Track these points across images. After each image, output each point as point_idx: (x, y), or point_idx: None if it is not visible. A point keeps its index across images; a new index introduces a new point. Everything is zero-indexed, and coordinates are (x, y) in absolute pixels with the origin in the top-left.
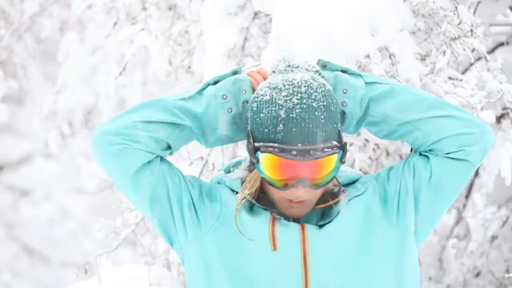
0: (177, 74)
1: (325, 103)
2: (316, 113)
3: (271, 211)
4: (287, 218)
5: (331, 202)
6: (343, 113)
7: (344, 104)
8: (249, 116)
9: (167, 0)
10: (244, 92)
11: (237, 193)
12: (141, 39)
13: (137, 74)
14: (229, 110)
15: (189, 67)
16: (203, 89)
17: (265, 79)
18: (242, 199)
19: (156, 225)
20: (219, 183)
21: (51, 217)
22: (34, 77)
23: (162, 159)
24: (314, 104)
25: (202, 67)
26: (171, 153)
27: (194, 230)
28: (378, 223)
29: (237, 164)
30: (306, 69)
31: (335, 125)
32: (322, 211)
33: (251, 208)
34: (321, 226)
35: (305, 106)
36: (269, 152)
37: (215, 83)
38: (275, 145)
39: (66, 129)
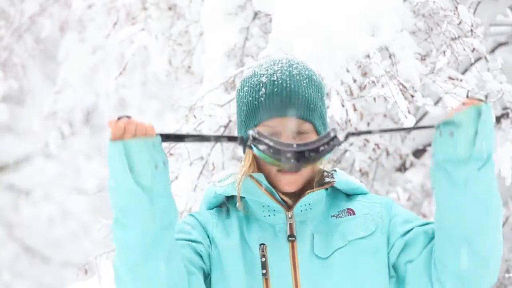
0: (177, 74)
1: (306, 72)
2: (298, 78)
3: (260, 243)
4: (279, 234)
5: (315, 189)
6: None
7: (451, 133)
8: (236, 95)
9: (167, 0)
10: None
11: (232, 197)
12: (141, 39)
13: (137, 74)
14: (165, 163)
15: (189, 67)
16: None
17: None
18: (241, 179)
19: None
20: (215, 193)
21: (51, 217)
22: (34, 77)
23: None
24: (295, 71)
25: (202, 67)
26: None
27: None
28: (384, 261)
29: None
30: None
31: (319, 94)
32: (326, 214)
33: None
34: (317, 256)
35: (285, 71)
36: (263, 152)
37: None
38: (270, 143)
39: (66, 129)
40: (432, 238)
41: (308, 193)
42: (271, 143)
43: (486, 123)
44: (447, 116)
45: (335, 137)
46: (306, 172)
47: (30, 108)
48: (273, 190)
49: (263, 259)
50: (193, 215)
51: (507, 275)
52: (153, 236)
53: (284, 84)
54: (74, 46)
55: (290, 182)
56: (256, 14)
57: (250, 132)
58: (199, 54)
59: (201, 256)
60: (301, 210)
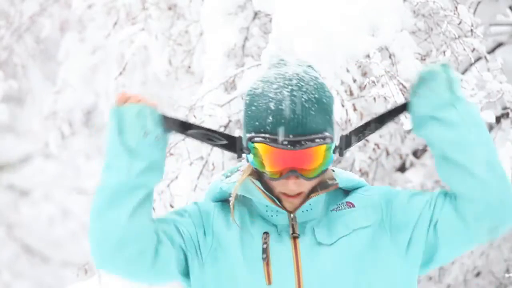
0: (177, 74)
1: (316, 96)
2: (307, 105)
3: (264, 231)
4: (281, 231)
5: (320, 192)
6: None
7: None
8: (243, 109)
9: (167, 0)
10: (147, 116)
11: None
12: (141, 39)
13: (137, 74)
14: (157, 138)
15: (189, 67)
16: (124, 142)
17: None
18: (240, 183)
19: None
20: (221, 189)
21: (51, 217)
22: (34, 77)
23: (160, 224)
24: (304, 96)
25: (202, 66)
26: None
27: (199, 270)
28: (385, 252)
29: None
30: (298, 64)
31: (327, 117)
32: (326, 211)
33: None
34: (320, 244)
35: (295, 99)
36: (260, 142)
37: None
38: (266, 135)
39: (66, 129)
40: (446, 193)
41: (312, 197)
42: (267, 135)
43: (452, 71)
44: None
45: (330, 137)
46: (308, 190)
47: (30, 108)
48: (273, 197)
49: (265, 245)
50: (196, 203)
51: (507, 275)
52: (123, 187)
53: (292, 116)
54: (74, 46)
55: (292, 203)
56: (256, 14)
57: (248, 135)
58: (199, 54)
59: (181, 236)
60: (303, 211)
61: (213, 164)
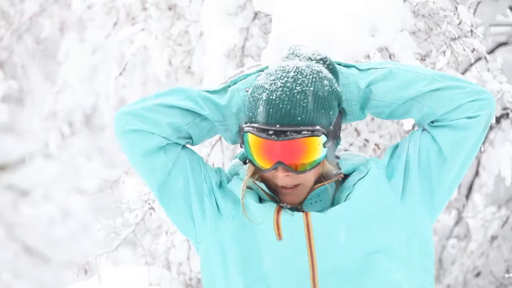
0: (177, 74)
1: (311, 88)
2: (298, 96)
3: (278, 203)
4: (292, 208)
5: (325, 183)
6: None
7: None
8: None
9: (167, 0)
10: None
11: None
12: (141, 39)
13: (137, 74)
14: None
15: (189, 67)
16: (229, 86)
17: None
18: (244, 185)
19: (170, 214)
20: (237, 173)
21: (51, 217)
22: (34, 77)
23: (184, 147)
24: (297, 88)
25: (202, 67)
26: (191, 144)
27: (214, 218)
28: (389, 199)
29: None
30: (310, 57)
31: (322, 111)
32: (332, 201)
33: (260, 201)
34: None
35: (287, 90)
36: (248, 131)
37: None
38: (255, 125)
39: (66, 129)
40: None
41: (316, 188)
42: (255, 125)
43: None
44: None
45: (320, 130)
46: (308, 183)
47: (30, 108)
48: (277, 198)
49: (277, 213)
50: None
51: (507, 275)
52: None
53: (281, 105)
54: (74, 46)
55: (291, 195)
56: (256, 14)
57: (240, 125)
58: (199, 54)
59: (201, 173)
60: (311, 203)
61: (213, 164)
